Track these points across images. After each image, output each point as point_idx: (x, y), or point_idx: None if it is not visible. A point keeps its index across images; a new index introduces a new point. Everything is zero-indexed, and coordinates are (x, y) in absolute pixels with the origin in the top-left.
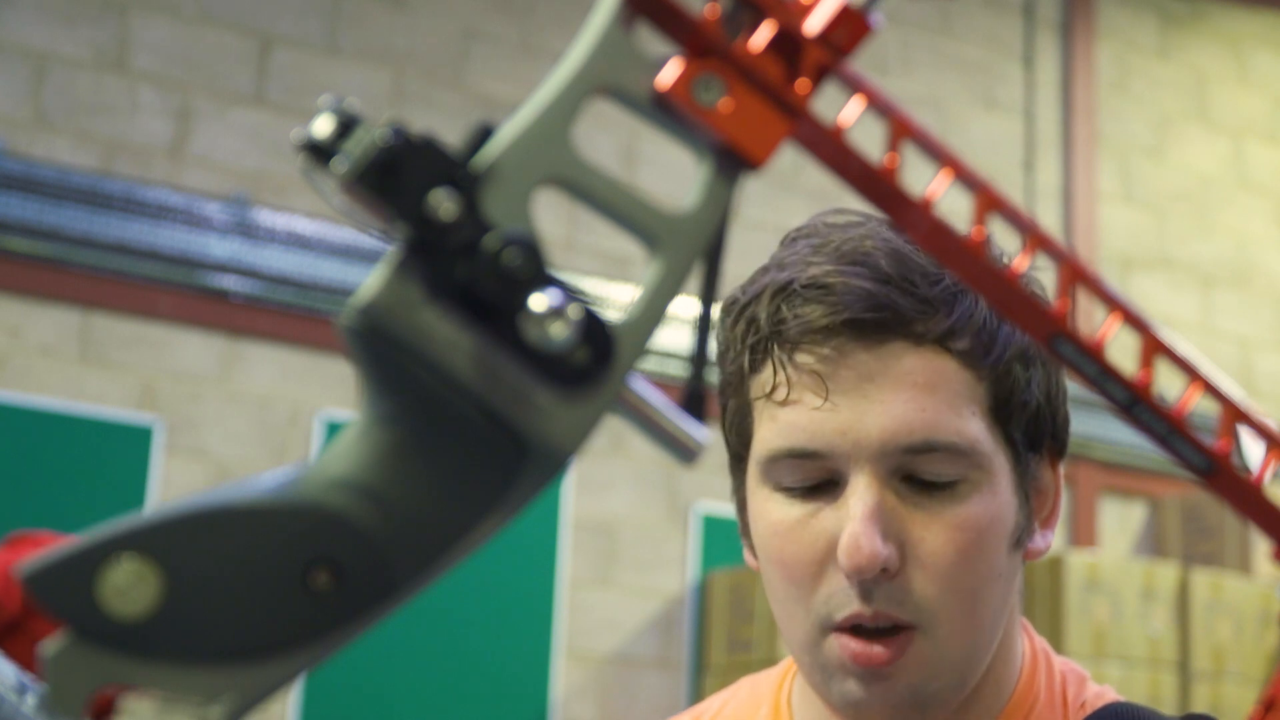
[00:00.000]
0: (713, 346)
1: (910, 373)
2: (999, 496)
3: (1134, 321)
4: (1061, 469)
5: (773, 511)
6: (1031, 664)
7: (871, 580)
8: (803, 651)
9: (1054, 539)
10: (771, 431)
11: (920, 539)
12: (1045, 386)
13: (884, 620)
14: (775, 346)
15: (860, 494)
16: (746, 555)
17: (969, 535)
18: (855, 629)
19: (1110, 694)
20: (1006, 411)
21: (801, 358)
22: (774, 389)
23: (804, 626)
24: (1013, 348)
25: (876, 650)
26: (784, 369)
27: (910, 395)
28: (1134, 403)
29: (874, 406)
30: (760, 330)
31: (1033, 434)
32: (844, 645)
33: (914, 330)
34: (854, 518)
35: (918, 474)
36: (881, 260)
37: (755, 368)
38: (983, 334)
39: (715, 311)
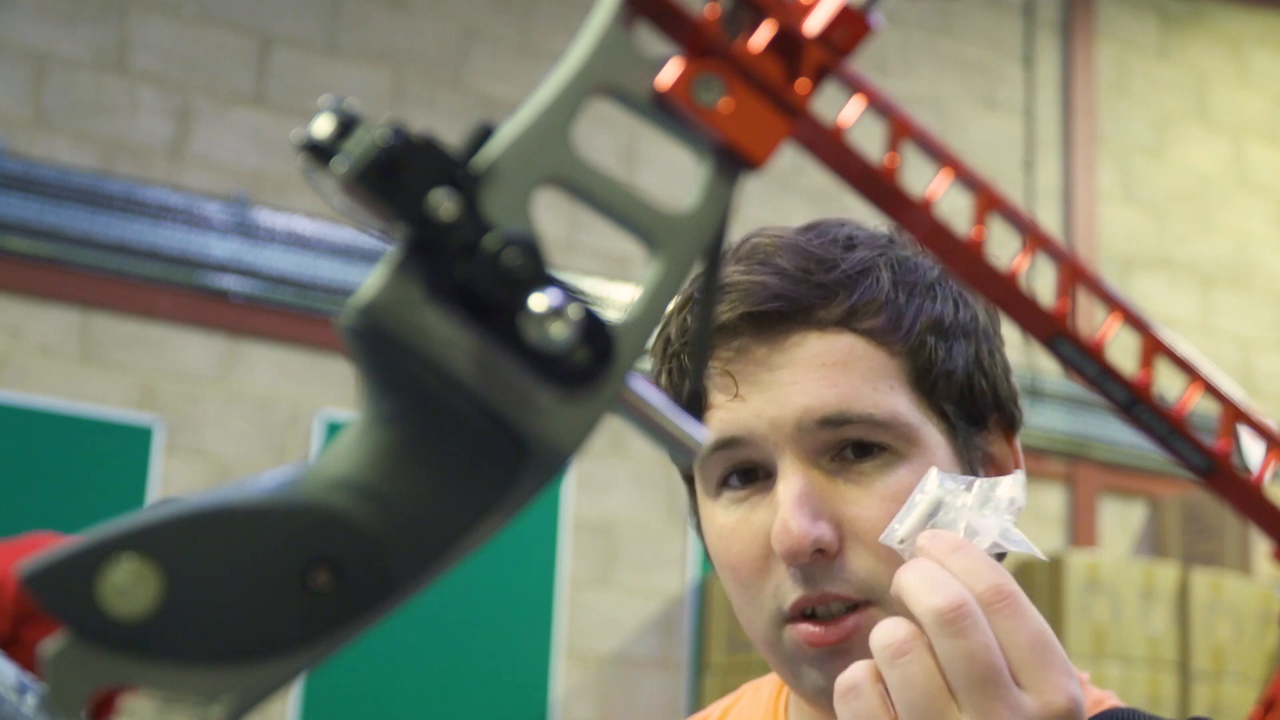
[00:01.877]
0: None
1: (817, 355)
2: (937, 463)
3: (1134, 321)
4: (1018, 443)
5: (718, 517)
6: None
7: (810, 562)
8: (767, 650)
9: (1043, 540)
10: None
11: (855, 515)
12: (974, 356)
13: (833, 601)
14: (685, 357)
15: (787, 478)
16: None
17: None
18: (809, 615)
19: (1111, 699)
20: (929, 384)
21: (709, 360)
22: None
23: (761, 624)
24: (924, 320)
25: (831, 630)
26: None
27: (820, 375)
28: (1134, 403)
29: (785, 389)
30: (672, 345)
31: (969, 407)
32: (799, 631)
33: (815, 317)
34: (783, 503)
35: (842, 449)
36: (778, 256)
37: (676, 386)
38: (888, 310)
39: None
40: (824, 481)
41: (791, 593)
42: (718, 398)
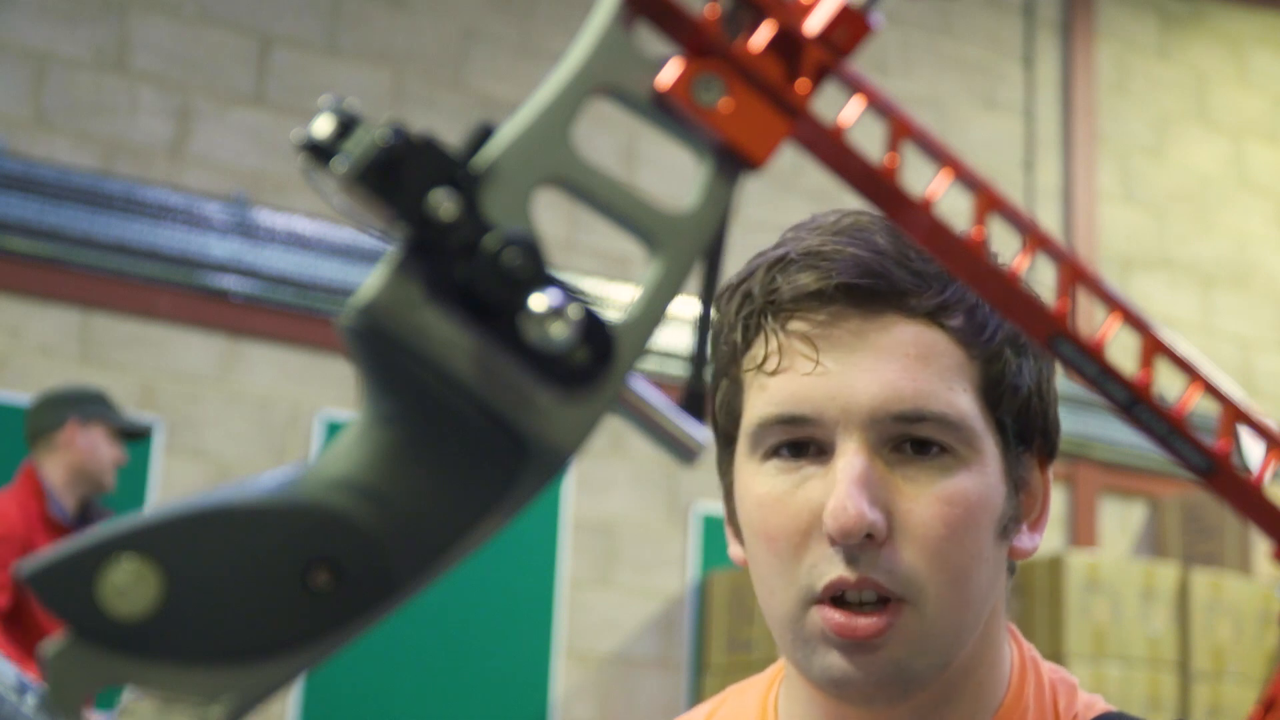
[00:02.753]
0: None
1: (902, 343)
2: (988, 477)
3: (1134, 321)
4: (1050, 474)
5: (760, 484)
6: (1020, 672)
7: (858, 546)
8: (784, 628)
9: (1043, 540)
10: (761, 401)
11: (908, 510)
12: (1037, 379)
13: (869, 589)
14: (768, 316)
15: (849, 459)
16: (731, 548)
17: (957, 510)
18: (838, 601)
19: (1100, 704)
20: (997, 394)
21: (794, 324)
22: (765, 359)
23: (786, 601)
24: (1005, 331)
25: (861, 623)
26: (776, 337)
27: (902, 365)
28: (1134, 403)
29: (865, 374)
30: (754, 301)
31: (1023, 425)
32: (826, 617)
33: (907, 302)
34: (841, 481)
35: (907, 445)
36: (878, 235)
37: (748, 341)
38: (976, 314)
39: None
40: (883, 471)
41: (830, 572)
42: (796, 364)
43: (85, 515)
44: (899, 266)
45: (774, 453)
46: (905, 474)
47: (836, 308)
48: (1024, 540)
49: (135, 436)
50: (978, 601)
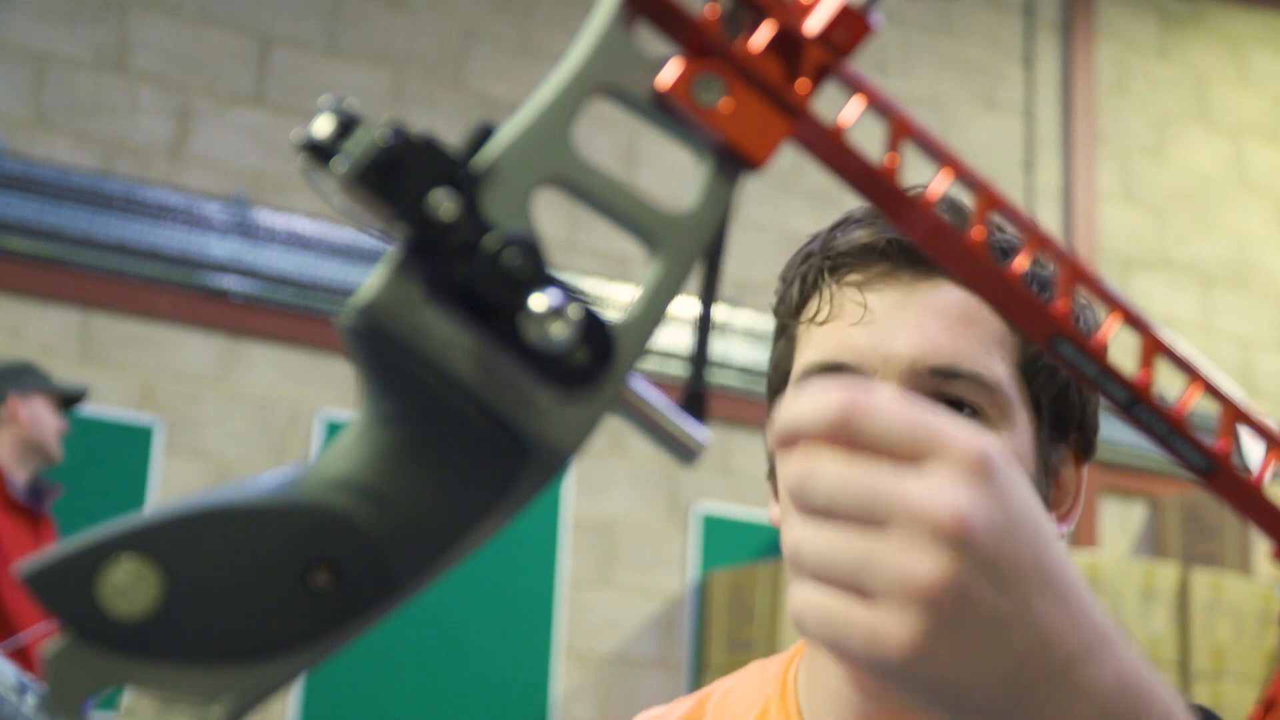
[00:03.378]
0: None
1: (948, 304)
2: (1018, 445)
3: (1134, 321)
4: (1085, 473)
5: None
6: None
7: None
8: None
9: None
10: (809, 350)
11: None
12: None
13: None
14: (825, 272)
15: None
16: (770, 509)
17: None
18: None
19: None
20: (1034, 371)
21: (849, 276)
22: (817, 311)
23: None
24: None
25: None
26: (829, 289)
27: (945, 323)
28: (1134, 403)
29: (907, 328)
30: (813, 258)
31: (1059, 410)
32: None
33: None
34: None
35: (943, 401)
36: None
37: (804, 296)
38: None
39: (715, 311)
40: None
41: None
42: (844, 314)
43: (36, 490)
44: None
45: None
46: None
47: (890, 263)
48: None
49: (75, 402)
50: None
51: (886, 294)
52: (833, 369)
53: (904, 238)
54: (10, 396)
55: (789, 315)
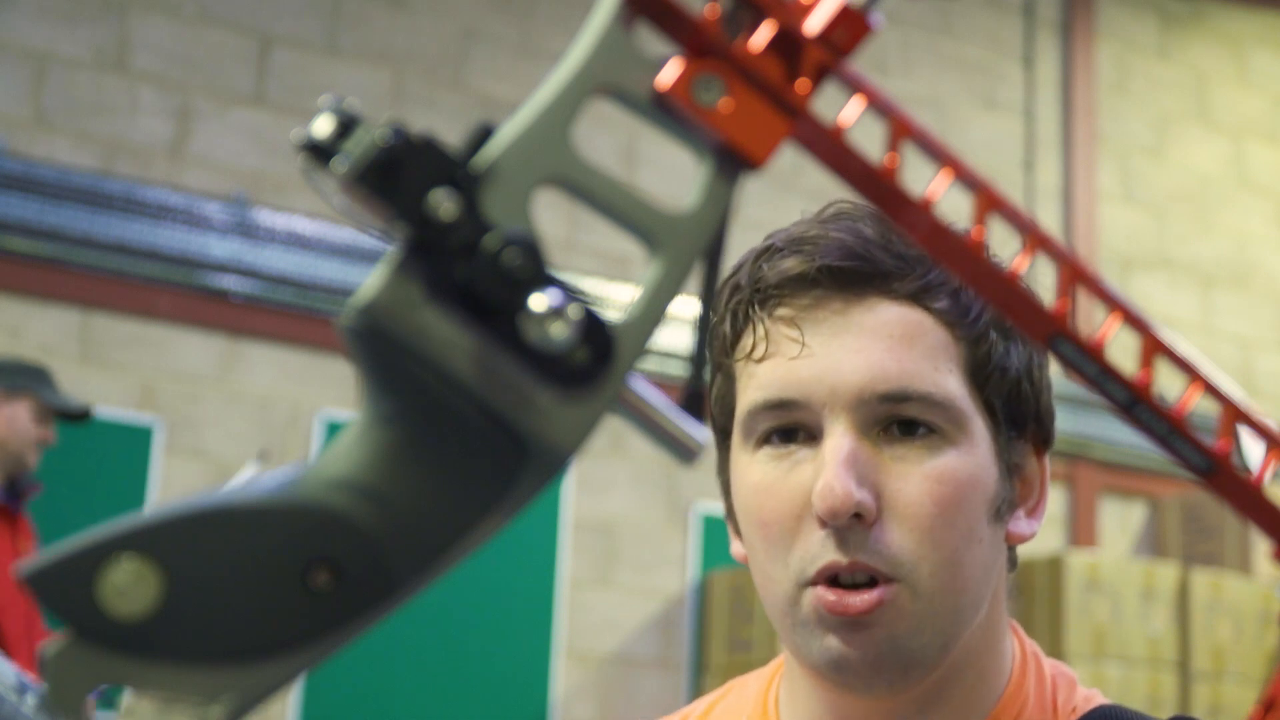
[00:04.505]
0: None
1: (887, 324)
2: (977, 457)
3: (1134, 321)
4: (1048, 461)
5: (753, 472)
6: (1021, 666)
7: (847, 526)
8: (782, 613)
9: (1043, 541)
10: (751, 389)
11: (897, 490)
12: (1026, 364)
13: (861, 571)
14: (755, 305)
15: (837, 439)
16: (733, 545)
17: (946, 488)
18: (832, 581)
19: (1099, 697)
20: (984, 375)
21: (780, 310)
22: (753, 346)
23: (782, 585)
24: (989, 314)
25: (852, 600)
26: (763, 324)
27: (887, 345)
28: (1134, 403)
29: (850, 355)
30: (741, 291)
31: (1013, 409)
32: (820, 597)
33: (891, 285)
34: (829, 463)
35: (895, 425)
36: (862, 222)
37: (737, 332)
38: (960, 296)
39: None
40: (871, 452)
41: (821, 556)
42: (783, 349)
43: (14, 489)
44: (882, 250)
45: (765, 439)
46: (894, 454)
47: (820, 291)
48: (1021, 526)
49: (74, 419)
50: (975, 582)
51: (822, 323)
52: (779, 406)
53: (832, 261)
54: None
55: (723, 352)
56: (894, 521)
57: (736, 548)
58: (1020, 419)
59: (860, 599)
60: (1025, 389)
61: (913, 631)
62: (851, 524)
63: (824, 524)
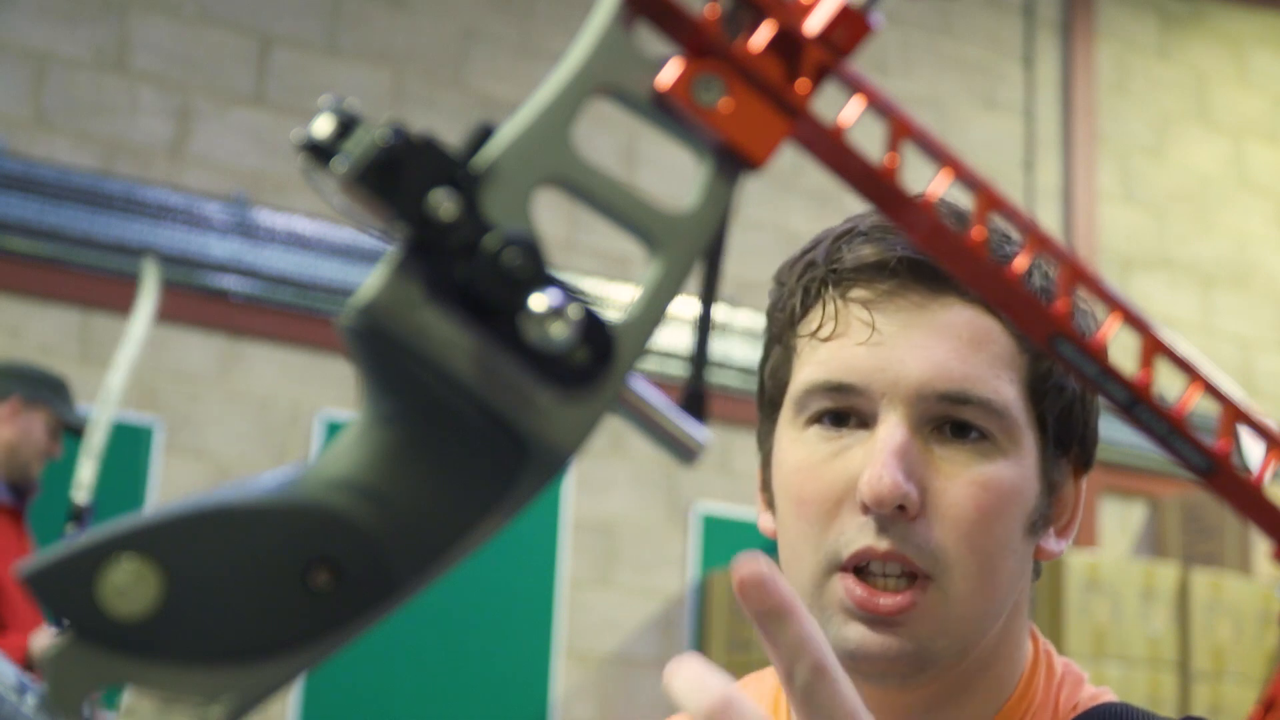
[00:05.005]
0: (713, 346)
1: (957, 325)
2: (1024, 469)
3: (1134, 321)
4: (1084, 485)
5: (799, 450)
6: (1033, 666)
7: (889, 517)
8: (806, 596)
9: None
10: (811, 366)
11: (942, 489)
12: (1082, 388)
13: (895, 561)
14: (830, 284)
15: (890, 430)
16: (761, 518)
17: (990, 495)
18: (862, 573)
19: (1106, 695)
20: (1042, 390)
21: (855, 292)
22: (820, 325)
23: (810, 567)
24: None
25: (884, 601)
26: (834, 303)
27: (954, 345)
28: (1134, 403)
29: (916, 349)
30: (816, 269)
31: (1064, 428)
32: (848, 588)
33: (966, 288)
34: (880, 451)
35: (948, 425)
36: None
37: (806, 307)
38: None
39: (715, 311)
40: (922, 447)
41: (858, 540)
42: (851, 333)
43: (18, 491)
44: None
45: (817, 419)
46: (943, 454)
47: (898, 281)
48: (1051, 543)
49: (73, 434)
50: (1002, 590)
51: (894, 314)
52: (838, 389)
53: (913, 254)
54: (14, 397)
55: (787, 325)
56: (935, 519)
57: (765, 521)
58: (1067, 439)
59: (891, 601)
60: (1078, 410)
61: (937, 633)
62: (894, 515)
63: (866, 510)
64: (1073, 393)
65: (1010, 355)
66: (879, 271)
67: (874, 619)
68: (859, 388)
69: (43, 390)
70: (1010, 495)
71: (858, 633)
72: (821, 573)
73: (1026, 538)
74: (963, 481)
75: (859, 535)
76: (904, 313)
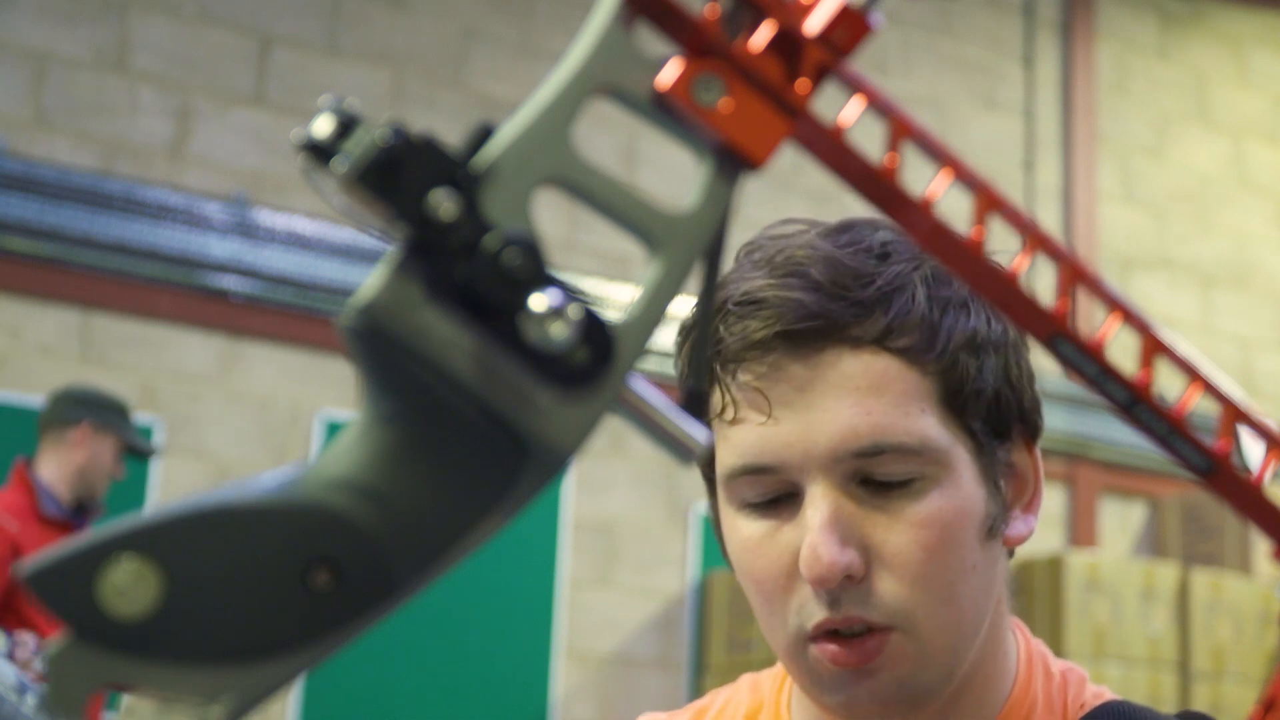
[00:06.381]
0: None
1: (851, 377)
2: (961, 490)
3: (1134, 321)
4: (1039, 452)
5: (740, 529)
6: (1028, 667)
7: (837, 587)
8: (789, 660)
9: (1043, 541)
10: (725, 451)
11: (883, 541)
12: (1003, 371)
13: (857, 623)
14: (717, 367)
15: (816, 504)
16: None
17: (932, 532)
18: (832, 633)
19: (1108, 694)
20: (960, 403)
21: (742, 375)
22: (722, 409)
23: (784, 637)
24: (957, 338)
25: (855, 651)
26: (728, 389)
27: (854, 400)
28: (1134, 403)
29: (818, 415)
30: (698, 349)
31: (995, 421)
32: (823, 649)
33: (850, 334)
34: (812, 529)
35: (872, 477)
36: (813, 269)
37: (704, 389)
38: (923, 329)
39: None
40: (853, 508)
41: (816, 614)
42: (750, 415)
43: (81, 510)
44: (838, 300)
45: (746, 505)
46: (877, 504)
47: (779, 355)
48: (1018, 526)
49: (138, 455)
50: (973, 612)
51: (786, 387)
52: (756, 471)
53: (785, 326)
54: (85, 423)
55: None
56: (884, 572)
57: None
58: (1004, 426)
59: (859, 649)
60: (1006, 397)
61: (916, 670)
62: (843, 584)
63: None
64: (993, 389)
65: (914, 386)
66: (759, 349)
67: (854, 674)
68: (774, 467)
69: (111, 416)
70: (954, 522)
71: (845, 688)
72: (796, 642)
73: (987, 544)
74: (902, 527)
75: (815, 609)
76: (795, 383)
